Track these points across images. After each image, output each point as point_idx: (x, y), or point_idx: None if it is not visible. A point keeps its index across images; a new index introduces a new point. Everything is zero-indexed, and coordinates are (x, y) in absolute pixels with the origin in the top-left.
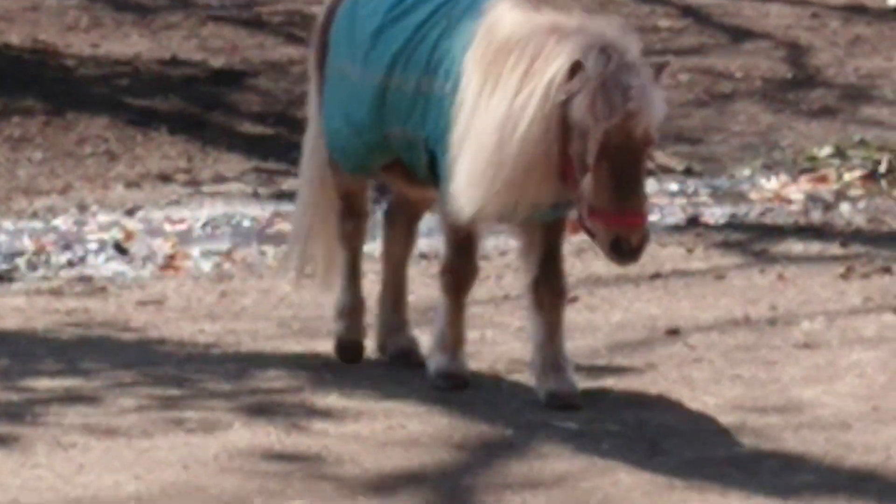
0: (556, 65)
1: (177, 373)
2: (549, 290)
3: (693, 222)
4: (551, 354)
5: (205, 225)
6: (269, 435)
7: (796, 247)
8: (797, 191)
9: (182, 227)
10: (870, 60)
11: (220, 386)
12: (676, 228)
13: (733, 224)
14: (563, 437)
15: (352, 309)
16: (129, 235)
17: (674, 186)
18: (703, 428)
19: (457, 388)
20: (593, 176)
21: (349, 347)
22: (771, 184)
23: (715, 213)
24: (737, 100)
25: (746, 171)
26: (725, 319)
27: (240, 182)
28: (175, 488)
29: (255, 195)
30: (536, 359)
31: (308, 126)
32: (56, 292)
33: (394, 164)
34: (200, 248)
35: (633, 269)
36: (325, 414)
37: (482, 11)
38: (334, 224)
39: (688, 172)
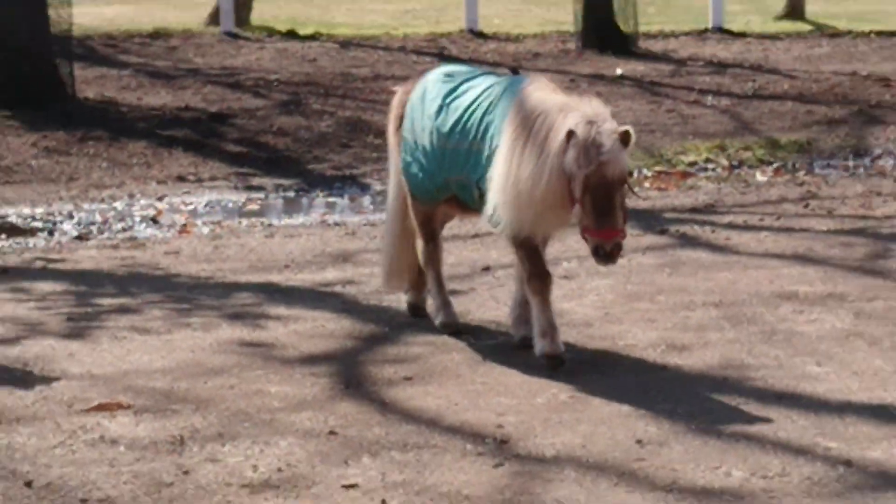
0: (561, 133)
1: (187, 294)
2: (539, 279)
3: None
4: (544, 322)
5: (205, 206)
6: (242, 331)
7: None
8: None
9: (191, 207)
10: (607, 105)
11: (213, 302)
12: None
13: None
14: (422, 330)
15: (445, 304)
16: (159, 213)
17: None
18: (500, 323)
19: (556, 366)
20: (580, 205)
21: (450, 325)
22: None
23: None
24: None
25: None
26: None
27: (226, 180)
28: (185, 363)
29: (236, 188)
30: (535, 327)
31: (389, 175)
32: (114, 247)
33: (451, 198)
34: (202, 220)
35: (461, 229)
36: (276, 318)
37: (513, 94)
38: (413, 248)
39: None
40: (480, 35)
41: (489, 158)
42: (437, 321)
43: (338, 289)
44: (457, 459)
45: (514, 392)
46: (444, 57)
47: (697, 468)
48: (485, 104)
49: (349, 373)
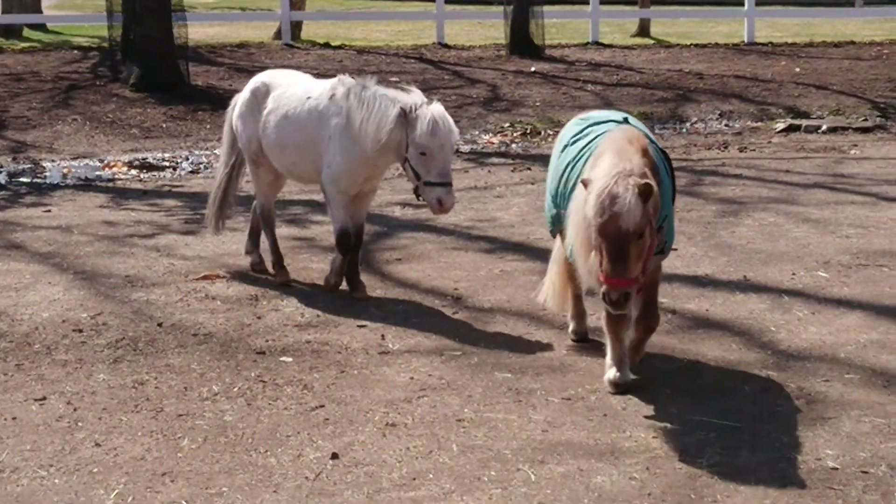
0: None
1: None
2: (645, 325)
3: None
4: (631, 355)
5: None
6: (294, 230)
7: (496, 159)
8: (498, 139)
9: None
10: (525, 90)
11: (277, 210)
12: None
13: (473, 151)
14: (406, 230)
15: (578, 314)
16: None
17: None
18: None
19: (622, 393)
20: (597, 251)
21: (579, 333)
22: (489, 136)
23: (463, 147)
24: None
25: (482, 132)
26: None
27: None
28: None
29: None
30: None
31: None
32: (214, 177)
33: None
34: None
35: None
36: (316, 222)
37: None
38: (568, 272)
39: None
40: (446, 46)
41: None
42: (570, 328)
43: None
44: (429, 309)
45: (465, 267)
46: (422, 60)
47: None
48: (592, 147)
49: (362, 255)
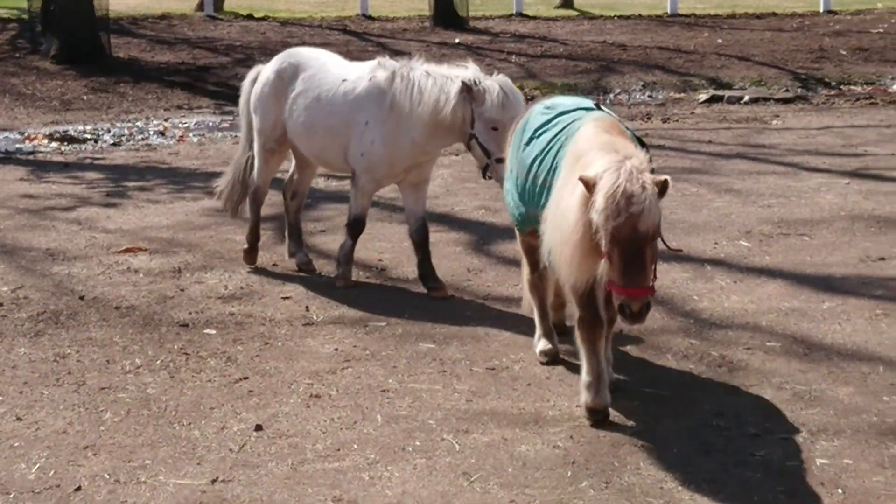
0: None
1: (182, 179)
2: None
3: None
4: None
5: (195, 124)
6: (211, 202)
7: None
8: None
9: (186, 125)
10: (449, 61)
11: (199, 184)
12: None
13: None
14: (331, 202)
15: (548, 332)
16: (165, 129)
17: None
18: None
19: (599, 422)
20: (608, 259)
21: (549, 354)
22: None
23: None
24: None
25: None
26: None
27: (209, 108)
28: (181, 222)
29: (214, 113)
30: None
31: None
32: (136, 150)
33: (534, 230)
34: (193, 133)
35: None
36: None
37: (574, 133)
38: (528, 278)
39: None
40: (370, 17)
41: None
42: (537, 348)
43: (278, 175)
44: (354, 280)
45: (390, 239)
46: (346, 31)
47: (503, 286)
48: (562, 140)
49: (285, 227)
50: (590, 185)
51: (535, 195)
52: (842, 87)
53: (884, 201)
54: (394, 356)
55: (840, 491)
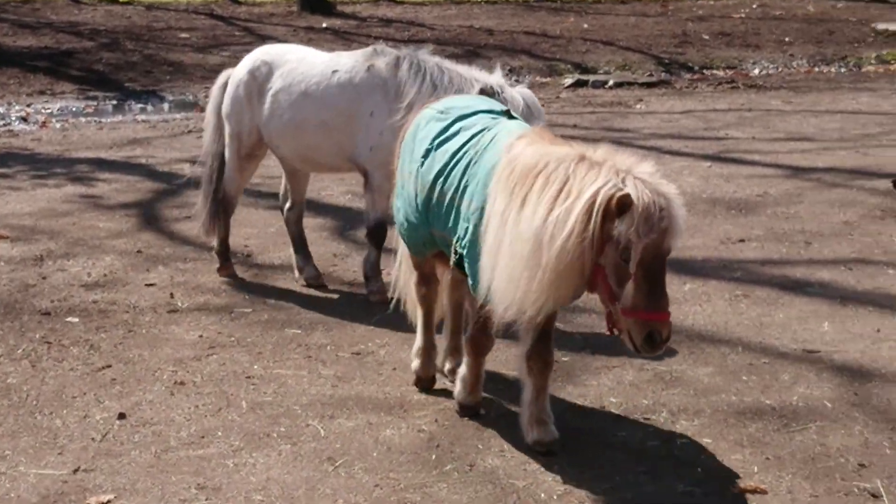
0: (593, 188)
1: (45, 165)
2: (540, 360)
3: None
4: (537, 410)
5: (58, 109)
6: (80, 188)
7: None
8: None
9: (49, 111)
10: (317, 46)
11: (62, 170)
12: None
13: None
14: (196, 188)
15: (425, 350)
16: (28, 114)
17: None
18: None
19: (468, 415)
20: (633, 282)
21: (424, 379)
22: None
23: None
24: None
25: None
26: None
27: (72, 94)
28: (44, 209)
29: (78, 98)
30: (525, 413)
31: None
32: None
33: (440, 253)
34: (56, 119)
35: None
36: (103, 180)
37: (503, 147)
38: (416, 289)
39: None
40: (237, 2)
41: (469, 220)
42: (413, 365)
43: (142, 161)
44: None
45: (256, 224)
46: (212, 16)
47: None
48: (470, 154)
49: (150, 213)
50: (619, 202)
51: (441, 216)
52: (704, 71)
53: (744, 184)
54: (259, 342)
55: (700, 470)
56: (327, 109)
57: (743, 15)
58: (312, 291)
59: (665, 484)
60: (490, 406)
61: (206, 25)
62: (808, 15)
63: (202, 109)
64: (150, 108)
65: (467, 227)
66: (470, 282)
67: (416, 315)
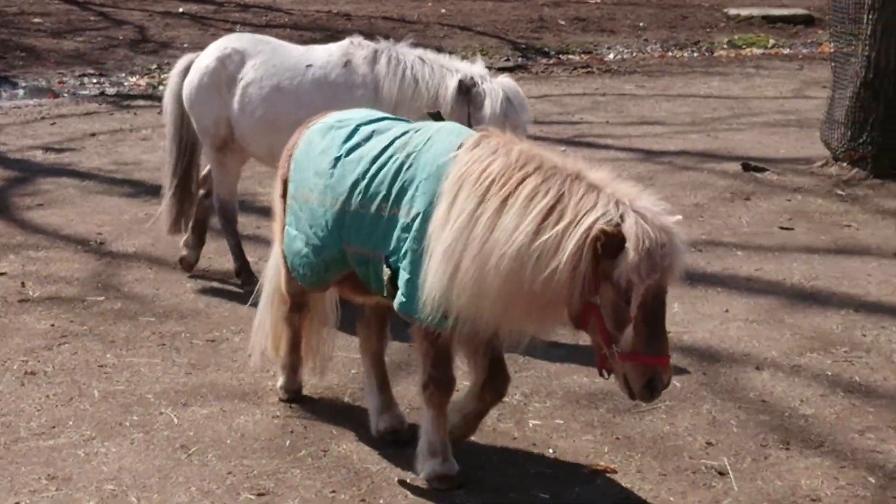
0: (590, 219)
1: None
2: (496, 392)
3: None
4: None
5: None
6: None
7: (142, 102)
8: (145, 81)
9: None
10: (173, 31)
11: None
12: None
13: (119, 93)
14: (48, 175)
15: (291, 367)
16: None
17: None
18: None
19: (451, 489)
20: (633, 324)
21: (289, 391)
22: (135, 78)
23: (108, 90)
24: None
25: (129, 74)
26: None
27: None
28: None
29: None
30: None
31: (273, 245)
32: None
33: (346, 277)
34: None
35: None
36: None
37: (455, 145)
38: (285, 315)
39: None
40: None
41: (409, 229)
42: (278, 383)
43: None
44: (72, 255)
45: (110, 212)
46: (67, 1)
47: (224, 257)
48: (400, 157)
49: (1, 202)
50: (614, 237)
51: (361, 229)
52: (560, 56)
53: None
54: (112, 331)
55: (551, 451)
56: (302, 108)
57: (597, 0)
58: (167, 279)
59: (517, 465)
60: (344, 391)
61: (61, 10)
62: (662, 0)
63: (56, 95)
64: (3, 94)
65: (406, 237)
66: (401, 300)
67: (281, 338)
